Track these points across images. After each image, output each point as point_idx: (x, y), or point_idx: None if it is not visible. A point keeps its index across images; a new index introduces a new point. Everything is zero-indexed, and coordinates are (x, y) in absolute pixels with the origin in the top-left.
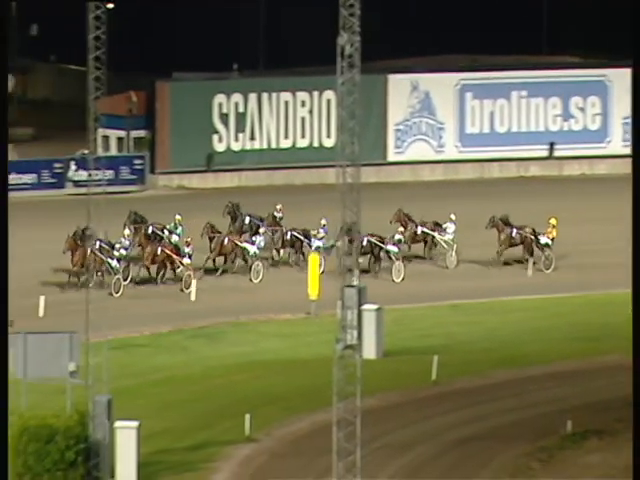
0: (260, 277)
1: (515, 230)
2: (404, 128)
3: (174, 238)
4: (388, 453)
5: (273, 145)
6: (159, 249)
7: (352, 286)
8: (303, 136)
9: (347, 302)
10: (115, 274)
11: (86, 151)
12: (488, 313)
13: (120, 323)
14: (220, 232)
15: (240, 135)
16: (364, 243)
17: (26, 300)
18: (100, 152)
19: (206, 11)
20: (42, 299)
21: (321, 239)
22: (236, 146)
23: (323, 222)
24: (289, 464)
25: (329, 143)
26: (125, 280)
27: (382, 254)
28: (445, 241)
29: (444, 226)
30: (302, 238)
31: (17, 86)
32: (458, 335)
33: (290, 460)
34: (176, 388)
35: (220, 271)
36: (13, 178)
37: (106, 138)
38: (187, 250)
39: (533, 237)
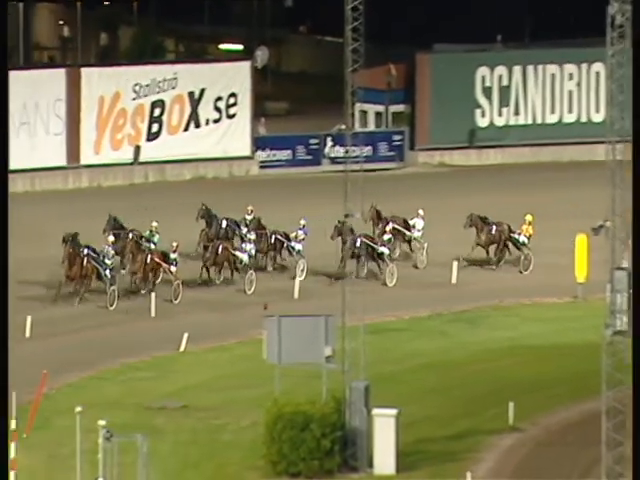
0: (254, 287)
1: (494, 227)
2: None
3: (151, 247)
4: None
5: (539, 120)
6: (149, 257)
7: (622, 268)
8: (570, 111)
9: (616, 285)
10: (111, 285)
11: (343, 126)
12: None
13: (377, 307)
14: (213, 240)
15: (504, 110)
16: (357, 244)
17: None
18: (357, 127)
19: None
20: (296, 282)
21: (301, 241)
22: (500, 121)
23: (302, 222)
24: (555, 454)
25: (598, 118)
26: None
27: (373, 257)
28: (415, 239)
29: (412, 223)
30: (285, 241)
31: (271, 58)
32: None
33: (556, 450)
34: (436, 374)
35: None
36: (267, 155)
37: (364, 113)
38: (173, 256)
39: (509, 235)
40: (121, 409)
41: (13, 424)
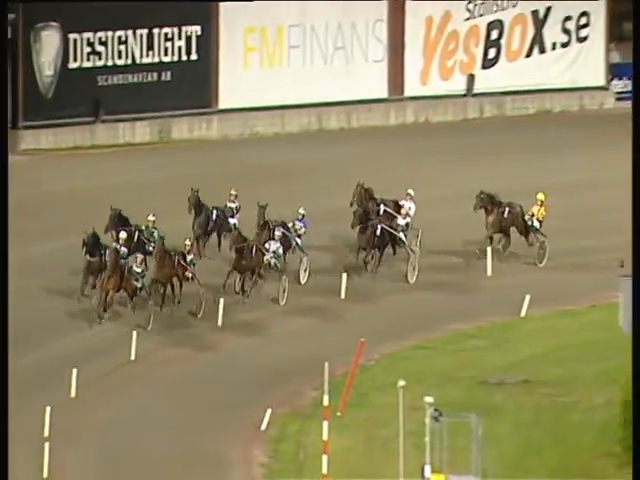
0: (285, 298)
1: (507, 210)
2: None
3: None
4: None
5: None
6: (176, 261)
7: None
8: None
9: None
10: (148, 300)
11: None
12: None
13: None
14: (201, 235)
15: None
16: (377, 232)
17: None
18: None
19: None
20: None
21: (300, 236)
22: None
23: (302, 212)
24: None
25: None
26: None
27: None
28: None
29: (401, 204)
30: (290, 235)
31: None
32: None
33: None
34: None
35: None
36: (624, 85)
37: None
38: (189, 258)
39: (523, 219)
40: (451, 384)
41: (325, 400)
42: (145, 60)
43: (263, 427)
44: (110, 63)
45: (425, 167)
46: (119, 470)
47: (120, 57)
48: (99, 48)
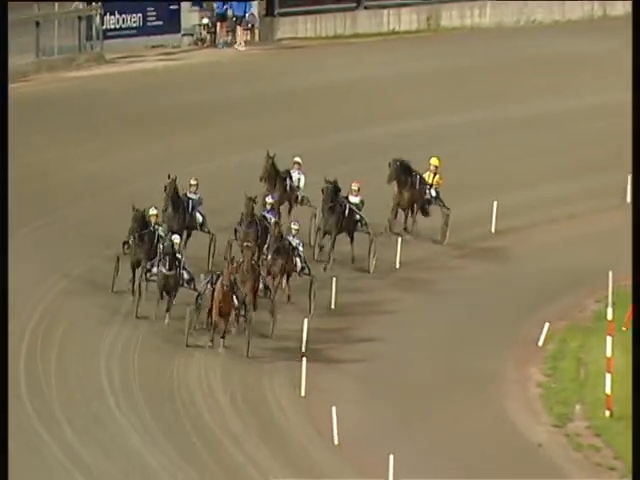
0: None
1: (419, 179)
2: None
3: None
4: None
5: None
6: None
7: None
8: None
9: None
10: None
11: None
12: None
13: None
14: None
15: None
16: (346, 212)
17: None
18: None
19: None
20: None
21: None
22: None
23: (269, 200)
24: None
25: None
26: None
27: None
28: (305, 199)
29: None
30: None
31: None
32: None
33: None
34: None
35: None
36: None
37: None
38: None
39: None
40: None
41: (609, 313)
42: None
43: (540, 343)
44: None
45: None
46: (383, 389)
47: None
48: None
